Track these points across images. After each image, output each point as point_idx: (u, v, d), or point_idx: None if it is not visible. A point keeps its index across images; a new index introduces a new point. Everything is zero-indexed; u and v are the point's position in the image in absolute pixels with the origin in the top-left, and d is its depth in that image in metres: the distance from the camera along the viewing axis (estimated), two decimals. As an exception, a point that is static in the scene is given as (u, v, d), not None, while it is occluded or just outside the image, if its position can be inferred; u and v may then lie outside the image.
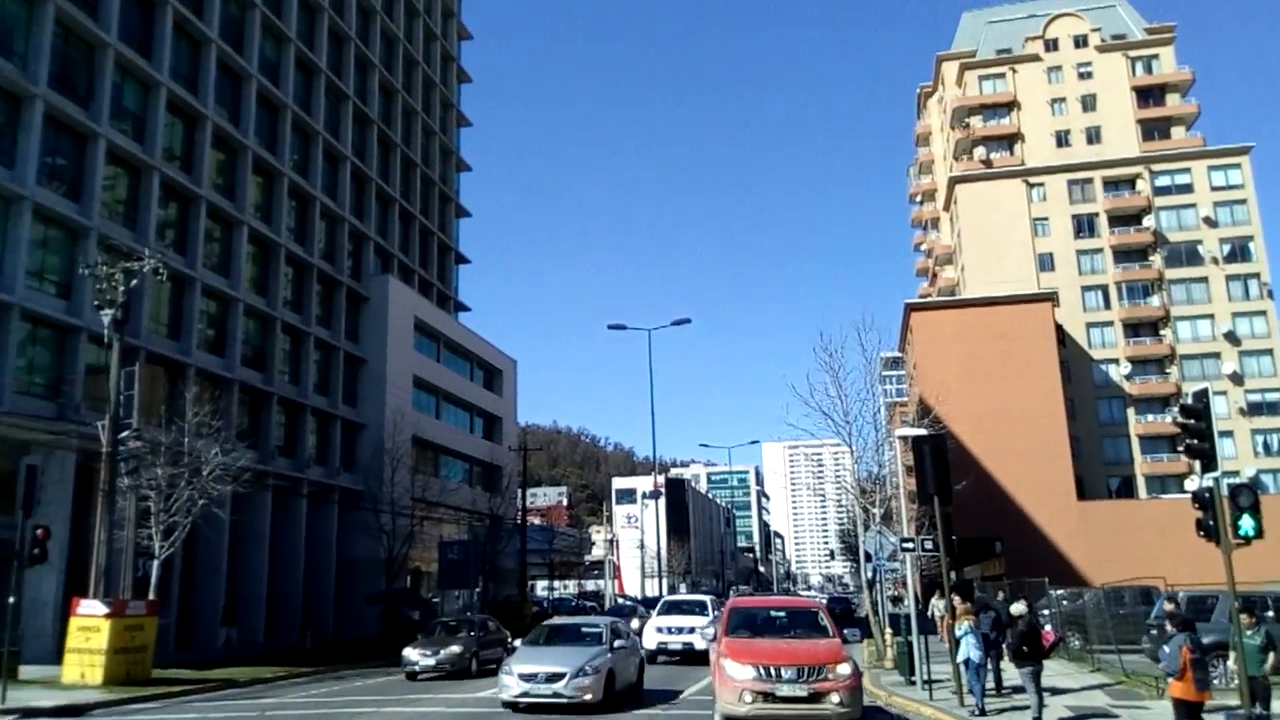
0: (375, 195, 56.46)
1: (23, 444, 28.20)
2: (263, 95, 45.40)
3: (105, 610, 23.39)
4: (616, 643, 19.27)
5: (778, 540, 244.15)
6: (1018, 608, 17.53)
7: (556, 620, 24.08)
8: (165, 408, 32.82)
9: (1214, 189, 79.42)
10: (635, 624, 33.02)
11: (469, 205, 72.10)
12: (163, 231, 37.96)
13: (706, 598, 35.39)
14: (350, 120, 53.65)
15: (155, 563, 27.84)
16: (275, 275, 45.31)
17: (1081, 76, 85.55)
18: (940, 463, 18.91)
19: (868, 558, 28.40)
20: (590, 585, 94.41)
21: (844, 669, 13.85)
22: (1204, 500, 14.23)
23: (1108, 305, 79.22)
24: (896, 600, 45.12)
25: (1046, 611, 29.36)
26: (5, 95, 31.39)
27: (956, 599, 17.97)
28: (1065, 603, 30.68)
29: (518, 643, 21.89)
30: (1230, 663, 17.92)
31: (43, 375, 32.29)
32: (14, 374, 30.43)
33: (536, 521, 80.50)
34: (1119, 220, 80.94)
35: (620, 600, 69.27)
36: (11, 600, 20.82)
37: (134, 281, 27.18)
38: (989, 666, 18.50)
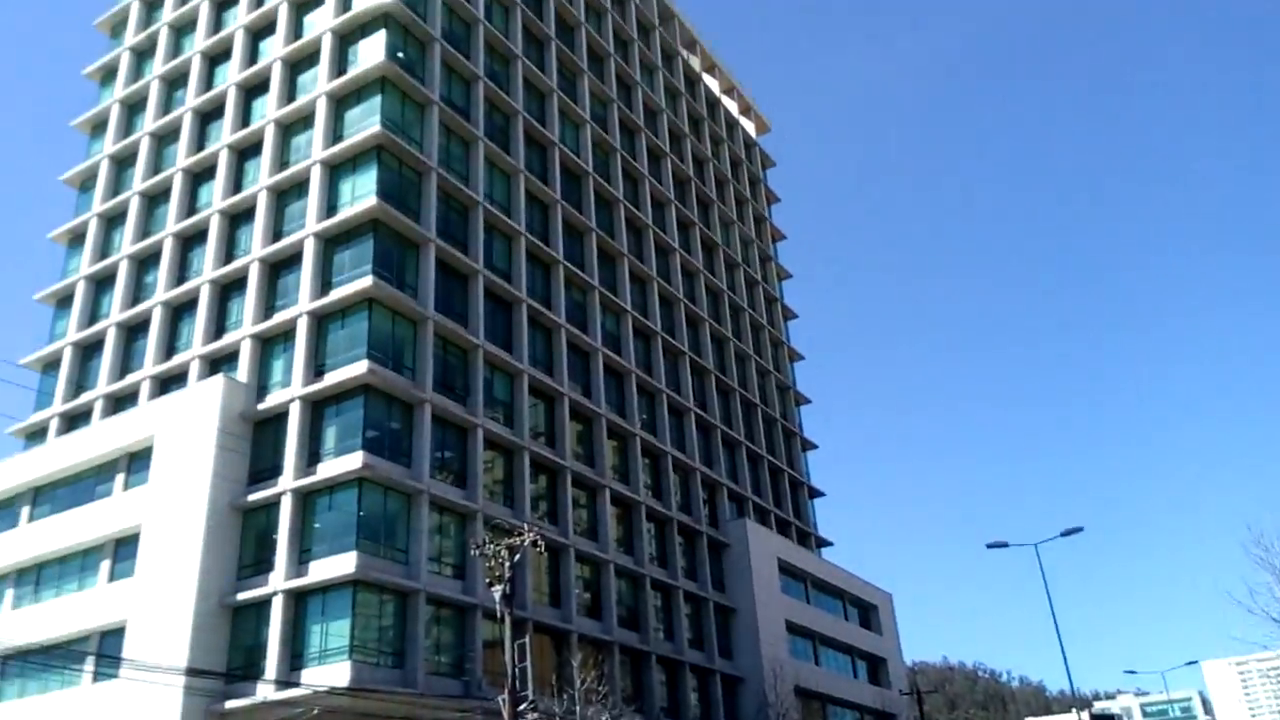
0: (721, 441, 58.21)
1: (435, 724, 30.06)
2: (609, 365, 49.47)
3: None
4: None
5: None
6: None
7: None
8: (554, 676, 33.96)
9: None
10: None
11: (815, 437, 71.93)
12: (536, 504, 41.15)
13: None
14: (688, 373, 56.73)
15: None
16: (639, 533, 47.14)
17: None
18: None
19: None
20: None
21: None
22: None
23: None
24: None
25: None
26: (401, 404, 36.50)
27: None
28: None
29: None
30: None
31: (447, 654, 34.91)
32: (424, 656, 33.13)
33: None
34: None
35: None
36: None
37: (517, 556, 29.13)
38: None
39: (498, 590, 28.34)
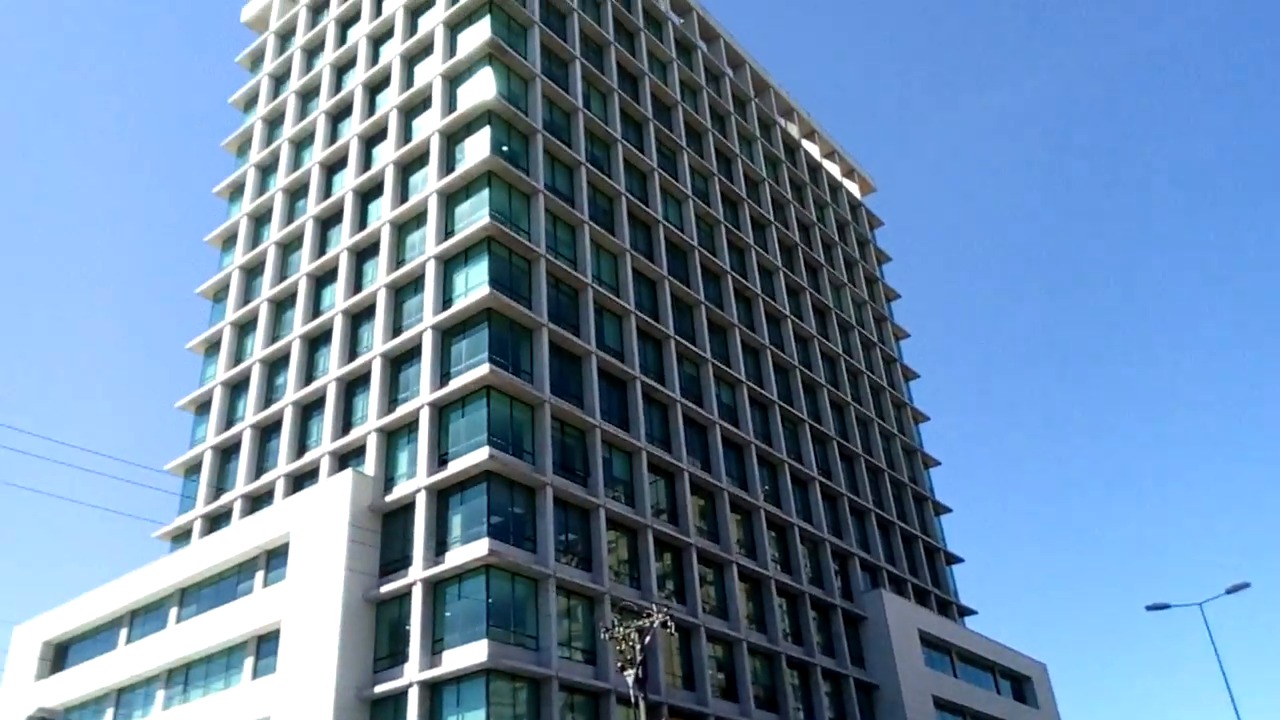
0: (849, 509, 56.81)
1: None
2: (727, 437, 49.15)
3: None
4: None
5: None
6: None
7: None
8: (693, 762, 33.12)
9: None
10: None
11: (948, 500, 69.53)
12: (662, 583, 40.76)
13: None
14: (810, 441, 55.84)
15: None
16: (770, 609, 46.07)
17: None
18: None
19: None
20: None
21: None
22: None
23: None
24: None
25: None
26: (523, 488, 36.97)
27: None
28: None
29: None
30: None
31: (582, 743, 34.52)
32: (558, 745, 32.83)
33: None
34: None
35: None
36: None
37: (647, 638, 28.83)
38: None
39: (630, 674, 28.06)
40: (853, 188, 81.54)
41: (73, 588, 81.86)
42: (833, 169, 79.03)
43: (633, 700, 28.65)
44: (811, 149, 76.62)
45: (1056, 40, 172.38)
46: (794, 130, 74.68)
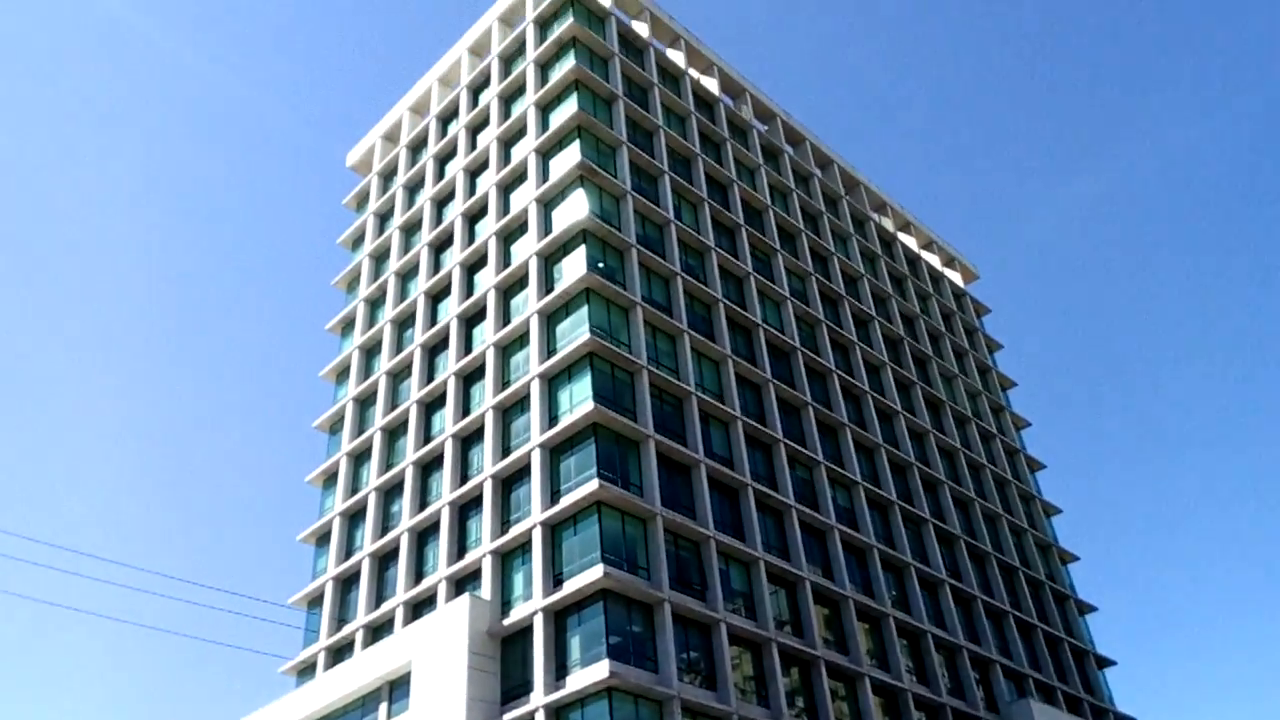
0: (984, 612, 54.09)
1: None
2: (847, 542, 47.75)
3: None
4: None
5: None
6: None
7: None
8: None
9: None
10: None
11: (1092, 597, 65.71)
12: (791, 700, 39.20)
13: None
14: (935, 541, 53.78)
15: None
16: (909, 724, 43.69)
17: None
18: None
19: None
20: None
21: None
22: None
23: None
24: None
25: None
26: (640, 605, 36.38)
27: None
28: None
29: None
30: None
31: None
32: None
33: None
34: None
35: None
36: None
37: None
38: None
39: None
40: (955, 276, 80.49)
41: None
42: (932, 259, 78.31)
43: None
44: (908, 241, 76.24)
45: (1150, 122, 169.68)
46: (889, 224, 74.58)
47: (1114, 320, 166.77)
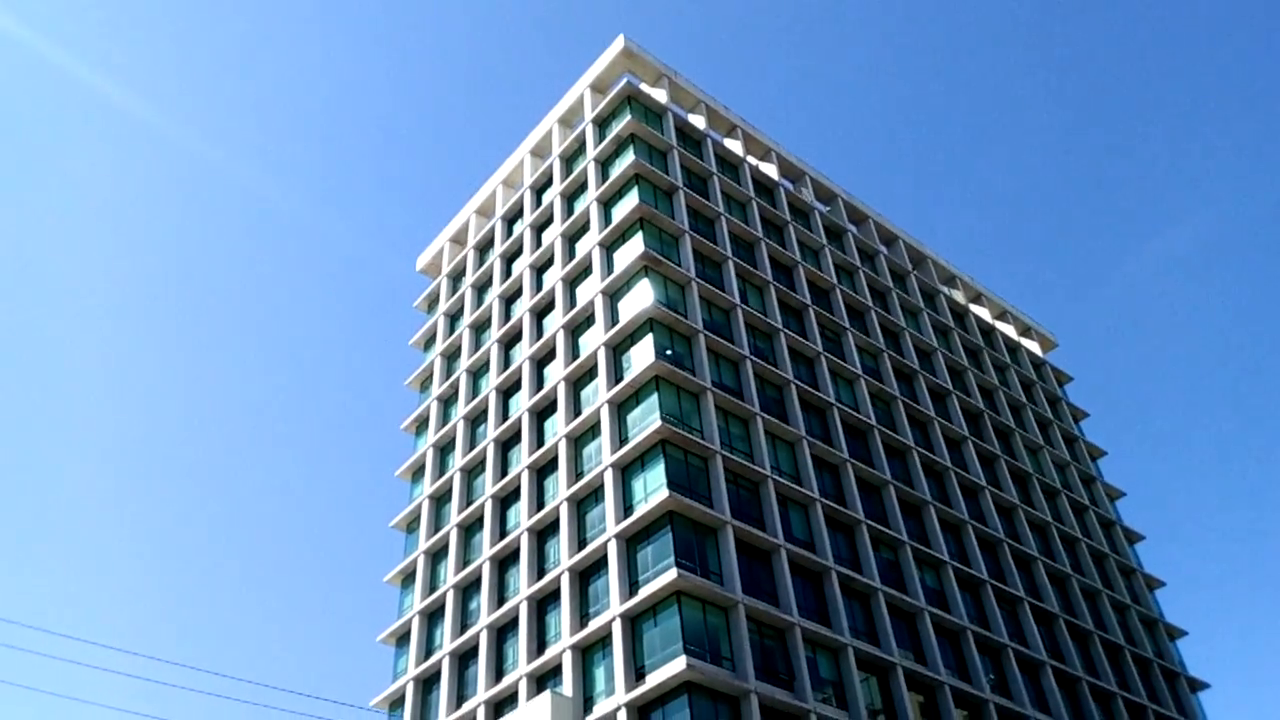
0: (1091, 695, 51.71)
1: None
2: (938, 624, 46.41)
3: None
4: None
5: None
6: None
7: None
8: None
9: None
10: None
11: (1204, 674, 62.30)
12: (891, 795, 37.69)
13: None
14: (1031, 621, 51.90)
15: None
16: (1018, 818, 41.60)
17: None
18: None
19: None
20: None
21: None
22: None
23: None
24: None
25: None
26: (726, 699, 35.69)
27: None
28: None
29: None
30: None
31: None
32: None
33: None
34: None
35: None
36: None
37: None
38: None
39: None
40: (1032, 346, 79.26)
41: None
42: (1007, 329, 77.37)
43: None
44: (981, 313, 75.57)
45: (1230, 177, 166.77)
46: (960, 297, 74.12)
47: (1205, 381, 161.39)
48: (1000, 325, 76.96)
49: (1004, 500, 58.38)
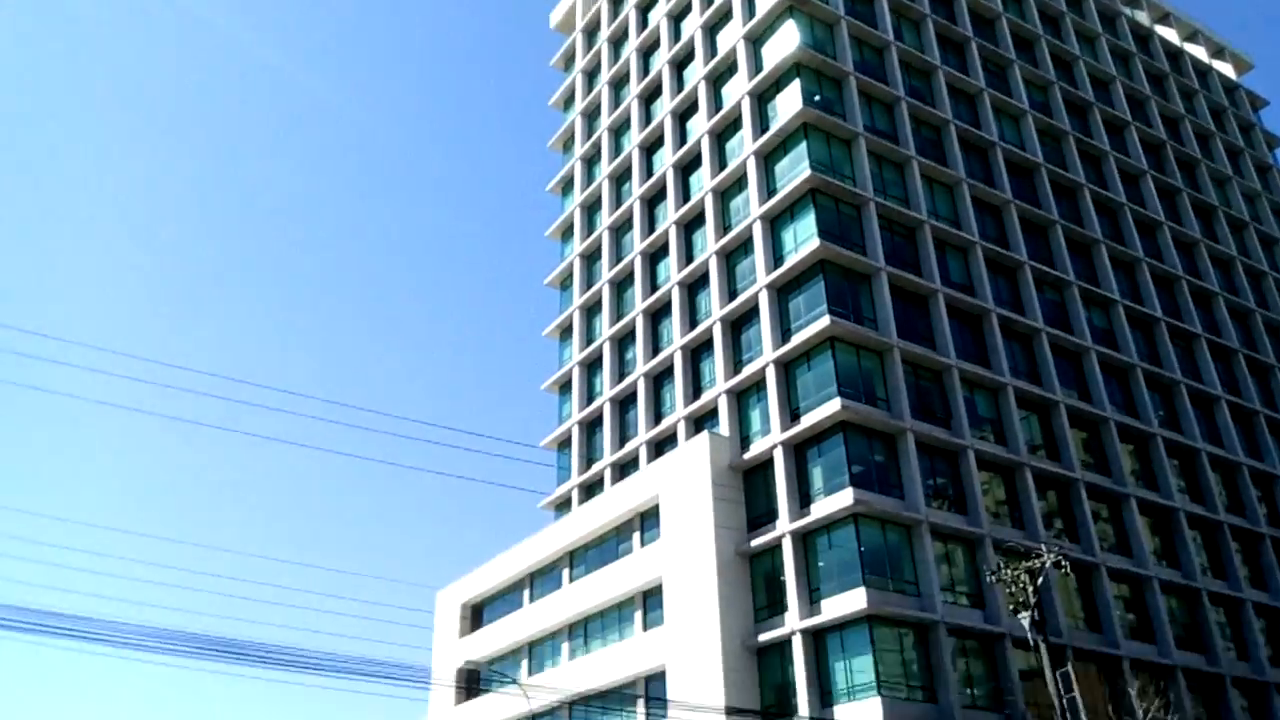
0: (1268, 427, 50.74)
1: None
2: (1105, 363, 45.78)
3: None
4: None
5: None
6: None
7: None
8: (1109, 706, 31.39)
9: None
10: None
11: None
12: (1049, 522, 38.93)
13: None
14: (1208, 358, 50.48)
15: None
16: (1182, 544, 42.60)
17: None
18: None
19: None
20: None
21: None
22: None
23: None
24: None
25: None
26: (881, 436, 36.89)
27: None
28: None
29: None
30: None
31: (981, 686, 33.90)
32: (955, 689, 32.46)
33: None
34: None
35: None
36: None
37: (1039, 580, 27.77)
38: None
39: (1024, 617, 27.17)
40: (1225, 68, 72.31)
41: (477, 556, 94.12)
42: (1197, 52, 70.57)
43: (1031, 644, 27.74)
44: (1168, 34, 68.94)
45: None
46: (1144, 18, 67.61)
47: None
48: (1189, 47, 70.18)
49: (1185, 235, 55.44)
